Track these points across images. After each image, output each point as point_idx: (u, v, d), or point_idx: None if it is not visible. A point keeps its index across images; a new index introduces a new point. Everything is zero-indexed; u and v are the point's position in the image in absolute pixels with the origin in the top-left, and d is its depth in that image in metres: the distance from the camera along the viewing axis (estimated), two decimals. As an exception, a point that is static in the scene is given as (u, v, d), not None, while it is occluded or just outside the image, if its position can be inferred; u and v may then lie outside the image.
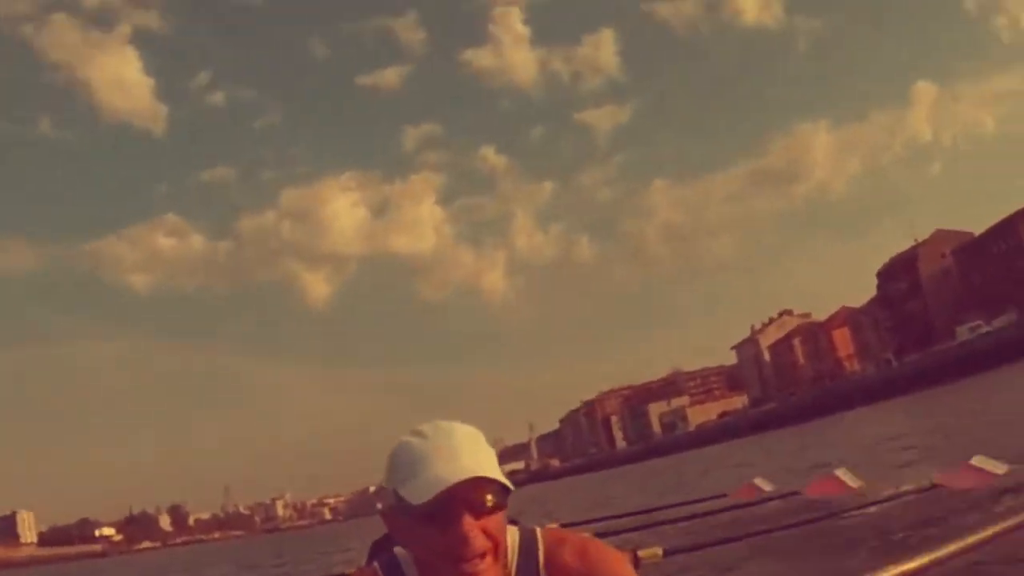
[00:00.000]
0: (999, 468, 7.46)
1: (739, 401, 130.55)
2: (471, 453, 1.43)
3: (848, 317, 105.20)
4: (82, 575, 44.95)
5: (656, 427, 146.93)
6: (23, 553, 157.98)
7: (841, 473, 9.49)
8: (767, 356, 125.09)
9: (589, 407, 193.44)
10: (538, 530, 1.63)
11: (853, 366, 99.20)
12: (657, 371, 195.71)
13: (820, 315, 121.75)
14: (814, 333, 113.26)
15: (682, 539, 7.67)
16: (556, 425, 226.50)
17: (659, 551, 5.22)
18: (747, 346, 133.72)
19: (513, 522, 1.63)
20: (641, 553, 5.16)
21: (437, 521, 1.40)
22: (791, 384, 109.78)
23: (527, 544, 1.60)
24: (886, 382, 68.99)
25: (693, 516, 9.00)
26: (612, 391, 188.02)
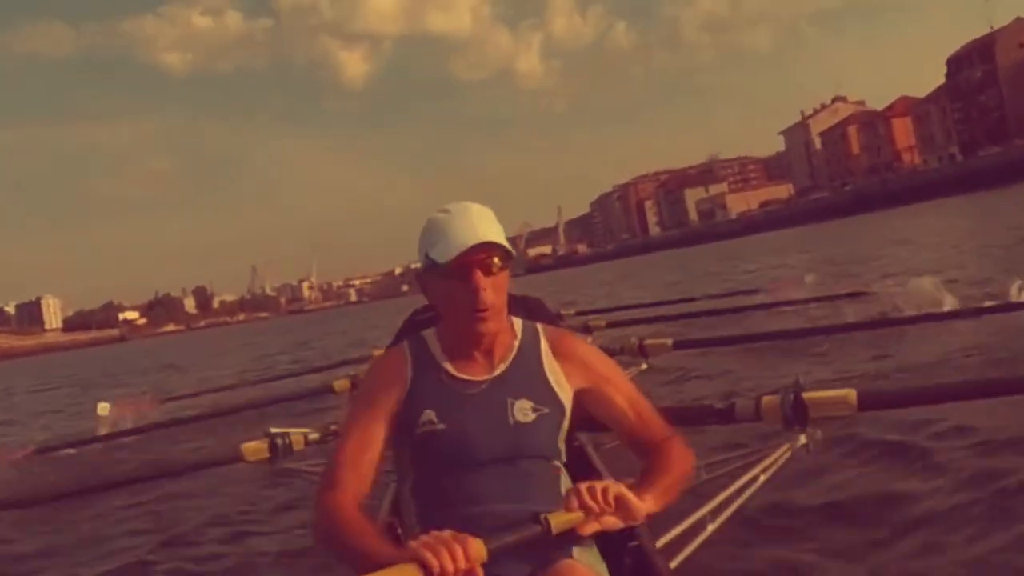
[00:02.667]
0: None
1: (781, 191, 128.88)
2: (485, 225, 1.83)
3: (911, 106, 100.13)
4: (95, 362, 43.65)
5: (693, 214, 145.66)
6: (44, 339, 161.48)
7: (807, 278, 10.11)
8: (817, 144, 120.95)
9: (622, 191, 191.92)
10: (537, 325, 2.06)
11: (913, 159, 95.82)
12: (693, 158, 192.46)
13: (876, 104, 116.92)
14: (872, 121, 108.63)
15: (696, 333, 7.70)
16: (586, 209, 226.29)
17: (668, 341, 5.28)
18: (796, 131, 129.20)
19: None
20: (648, 342, 5.23)
21: (457, 276, 1.83)
22: (843, 174, 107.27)
23: (528, 325, 2.04)
24: (951, 177, 66.79)
25: (715, 311, 8.95)
26: (646, 175, 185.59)
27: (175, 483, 5.07)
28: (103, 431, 7.75)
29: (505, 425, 1.87)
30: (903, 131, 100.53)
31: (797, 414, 2.44)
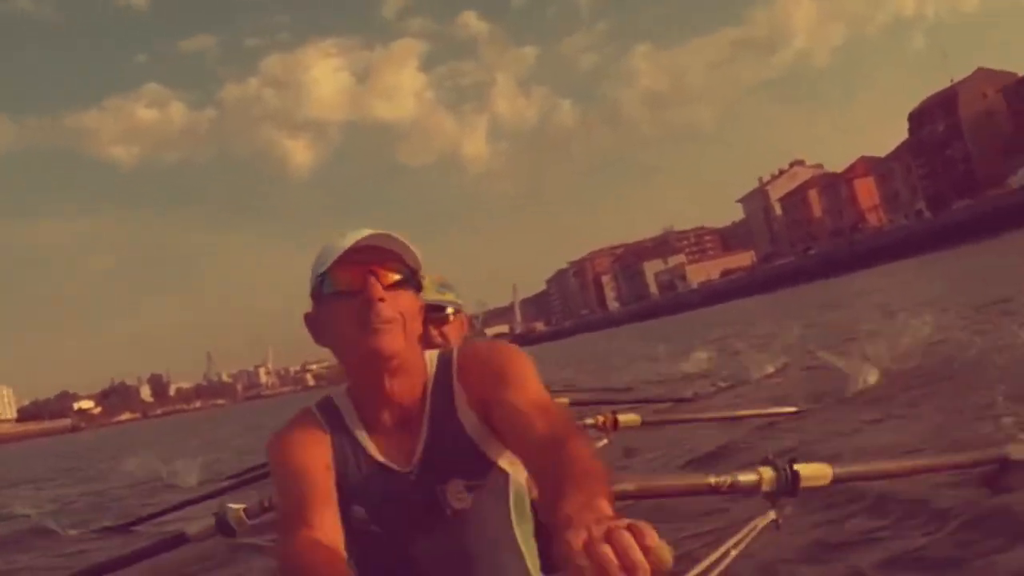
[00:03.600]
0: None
1: (743, 259, 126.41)
2: (382, 232, 1.54)
3: (873, 166, 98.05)
4: (41, 457, 40.89)
5: (652, 287, 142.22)
6: (7, 429, 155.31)
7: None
8: (778, 209, 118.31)
9: (578, 267, 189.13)
10: (455, 348, 1.74)
11: (878, 219, 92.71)
12: (647, 232, 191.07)
13: (835, 167, 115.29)
14: (832, 183, 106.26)
15: (665, 414, 7.57)
16: (542, 287, 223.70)
17: (638, 418, 5.27)
18: (755, 198, 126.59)
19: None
20: (620, 417, 5.15)
21: (347, 293, 1.53)
22: (806, 238, 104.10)
23: (444, 359, 1.69)
24: (921, 235, 63.31)
25: (674, 399, 9.03)
26: (602, 250, 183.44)
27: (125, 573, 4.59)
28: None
29: (443, 519, 1.59)
30: (866, 191, 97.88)
31: (791, 485, 2.47)
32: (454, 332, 3.00)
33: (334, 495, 1.55)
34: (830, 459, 2.60)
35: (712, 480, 2.46)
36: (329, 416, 1.68)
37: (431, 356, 1.70)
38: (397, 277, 1.55)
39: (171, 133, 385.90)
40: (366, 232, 1.52)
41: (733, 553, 2.35)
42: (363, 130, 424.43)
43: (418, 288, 1.62)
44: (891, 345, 8.30)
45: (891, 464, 3.35)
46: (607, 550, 1.00)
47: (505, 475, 1.62)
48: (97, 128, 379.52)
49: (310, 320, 1.66)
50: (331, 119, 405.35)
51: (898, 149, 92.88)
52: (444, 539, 1.59)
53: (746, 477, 2.45)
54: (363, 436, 1.64)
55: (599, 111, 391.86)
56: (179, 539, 3.47)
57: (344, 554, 1.49)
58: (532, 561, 1.66)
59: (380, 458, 1.62)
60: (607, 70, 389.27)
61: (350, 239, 1.52)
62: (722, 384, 10.48)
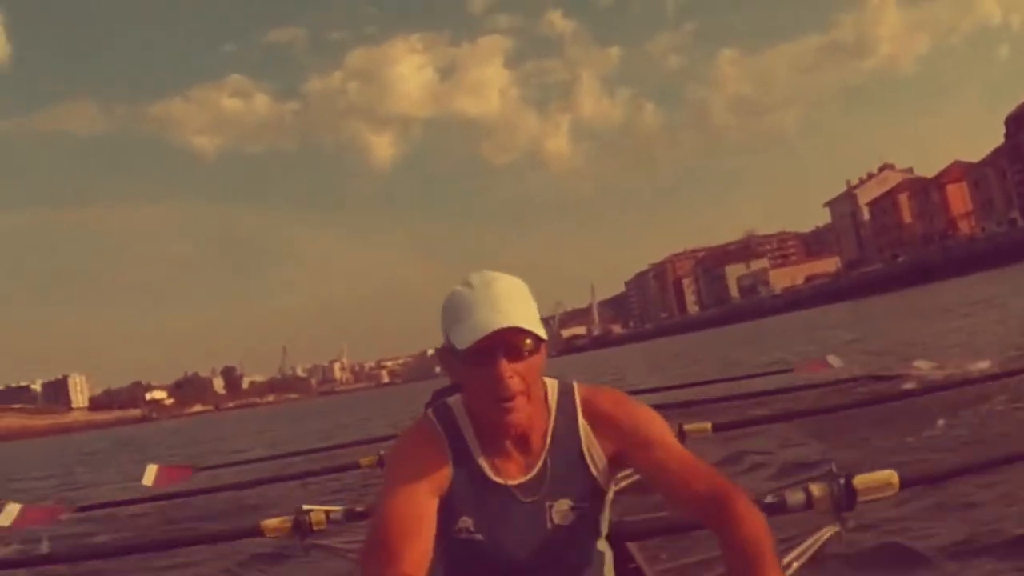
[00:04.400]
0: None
1: (828, 264, 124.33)
2: (511, 303, 1.65)
3: (966, 171, 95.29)
4: (110, 445, 41.01)
5: (734, 291, 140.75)
6: (63, 419, 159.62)
7: (831, 359, 9.86)
8: (866, 214, 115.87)
9: (658, 269, 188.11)
10: (575, 383, 1.85)
11: (970, 227, 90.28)
12: (728, 236, 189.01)
13: (925, 172, 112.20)
14: (924, 188, 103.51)
15: (733, 415, 7.47)
16: (620, 289, 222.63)
17: (708, 425, 5.20)
18: (842, 202, 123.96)
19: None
20: (687, 427, 5.10)
21: (478, 363, 1.64)
22: (894, 245, 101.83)
23: (564, 392, 1.82)
24: (1017, 243, 61.33)
25: (749, 394, 9.13)
26: (684, 253, 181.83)
27: (197, 551, 5.17)
28: (141, 493, 7.89)
29: (543, 531, 1.76)
30: (958, 197, 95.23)
31: (848, 499, 2.38)
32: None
33: (434, 517, 1.67)
34: (896, 465, 2.54)
35: (766, 499, 2.42)
36: (448, 428, 1.79)
37: (551, 385, 1.83)
38: (527, 347, 1.66)
39: (254, 124, 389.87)
40: (502, 324, 1.61)
41: (795, 566, 2.36)
42: (446, 126, 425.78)
43: (543, 346, 1.71)
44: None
45: (965, 461, 3.21)
46: None
47: (603, 498, 1.82)
48: (182, 117, 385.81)
49: (444, 361, 1.79)
50: (415, 114, 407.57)
51: (993, 154, 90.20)
52: (539, 550, 1.75)
53: (795, 496, 2.41)
54: (478, 452, 1.77)
55: (683, 114, 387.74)
56: (252, 530, 3.49)
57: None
58: (608, 568, 1.89)
59: (494, 477, 1.76)
60: (692, 72, 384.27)
61: (485, 318, 1.62)
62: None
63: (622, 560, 2.15)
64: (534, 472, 1.76)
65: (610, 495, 1.84)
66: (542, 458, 1.77)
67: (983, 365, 8.10)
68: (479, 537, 1.75)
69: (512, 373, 1.63)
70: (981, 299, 24.60)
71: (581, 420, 1.80)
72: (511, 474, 1.76)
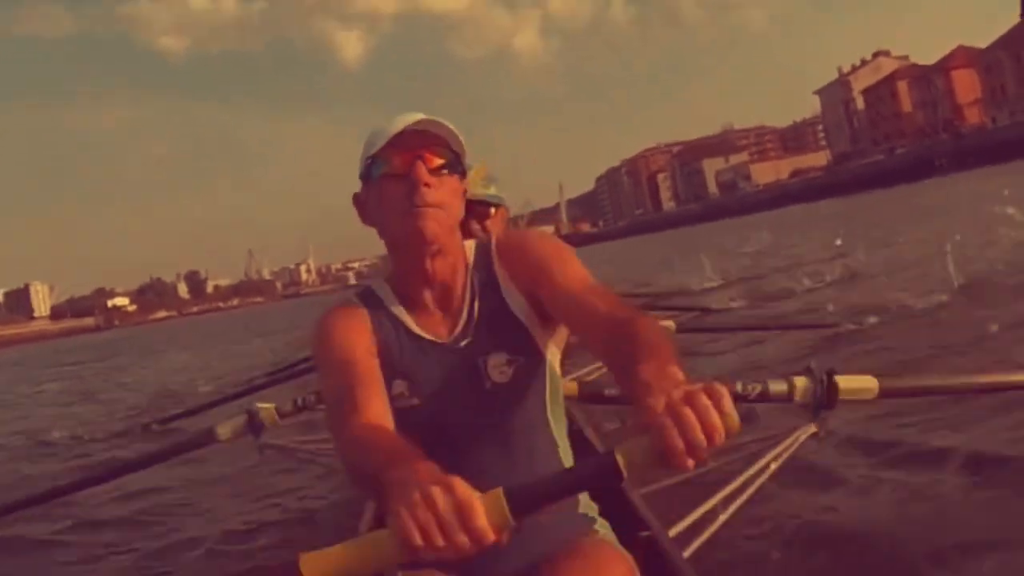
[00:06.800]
0: None
1: (812, 159, 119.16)
2: (432, 119, 1.58)
3: (974, 56, 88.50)
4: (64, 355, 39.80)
5: (712, 186, 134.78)
6: (24, 329, 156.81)
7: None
8: (860, 104, 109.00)
9: (630, 164, 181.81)
10: (492, 237, 1.78)
11: (978, 116, 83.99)
12: (703, 132, 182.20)
13: (923, 59, 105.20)
14: (925, 75, 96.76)
15: (697, 322, 7.42)
16: (591, 186, 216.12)
17: (671, 324, 5.30)
18: (834, 90, 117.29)
19: None
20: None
21: (394, 177, 1.57)
22: (891, 136, 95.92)
23: (482, 247, 1.75)
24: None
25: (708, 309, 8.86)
26: (658, 147, 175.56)
27: (155, 471, 4.80)
28: None
29: (482, 391, 1.64)
30: (966, 84, 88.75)
31: (829, 396, 2.37)
32: (496, 227, 3.12)
33: (379, 376, 1.59)
34: (875, 372, 2.45)
35: (739, 387, 2.34)
36: (369, 301, 1.71)
37: (469, 244, 1.74)
38: (442, 162, 1.60)
39: (222, 24, 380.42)
40: (416, 117, 1.56)
41: (773, 466, 2.43)
42: (416, 21, 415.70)
43: (462, 174, 1.65)
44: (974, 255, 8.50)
45: (948, 380, 3.01)
46: (688, 412, 1.08)
47: (543, 357, 1.67)
48: (149, 17, 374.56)
49: (358, 201, 1.71)
50: (383, 10, 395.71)
51: (1006, 36, 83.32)
52: (481, 412, 1.62)
53: (777, 386, 2.37)
54: (402, 313, 1.68)
55: (654, 10, 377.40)
56: (208, 437, 3.50)
57: (395, 431, 1.50)
58: (564, 450, 1.71)
59: (420, 332, 1.66)
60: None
61: (399, 123, 1.56)
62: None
63: (571, 426, 1.97)
64: (460, 326, 1.67)
65: (550, 353, 1.70)
66: (465, 310, 1.68)
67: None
68: (415, 401, 1.64)
69: (429, 181, 1.55)
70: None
71: (498, 269, 1.70)
72: (438, 331, 1.68)
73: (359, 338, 1.64)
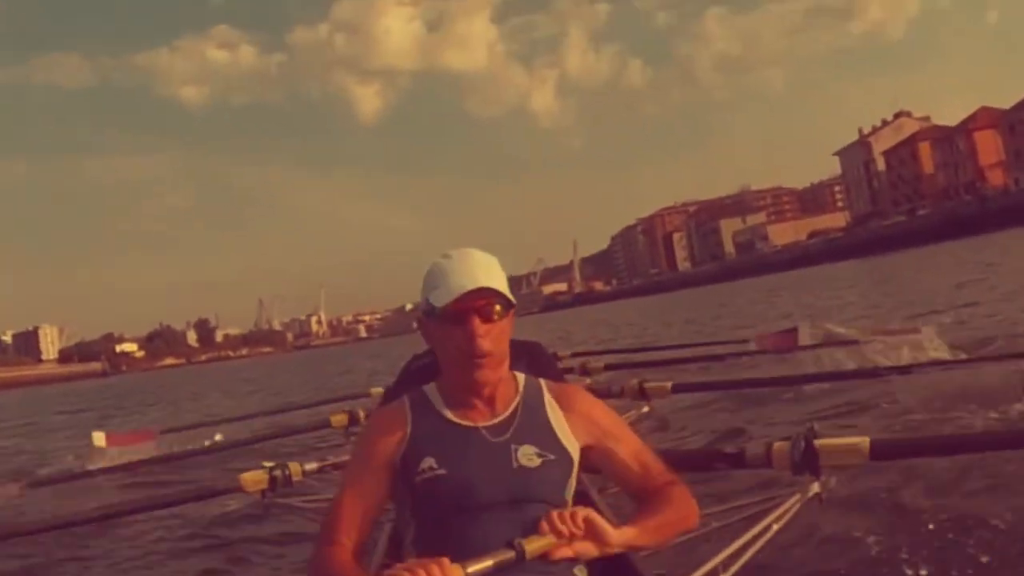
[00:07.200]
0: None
1: (830, 220, 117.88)
2: (485, 271, 1.87)
3: (997, 118, 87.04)
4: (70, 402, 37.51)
5: (729, 246, 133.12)
6: (32, 372, 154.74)
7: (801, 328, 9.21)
8: (880, 164, 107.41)
9: (646, 224, 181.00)
10: (541, 379, 2.07)
11: (1000, 178, 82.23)
12: (720, 191, 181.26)
13: (944, 121, 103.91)
14: (948, 136, 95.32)
15: (694, 377, 8.17)
16: (605, 245, 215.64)
17: (668, 384, 5.36)
18: (854, 151, 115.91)
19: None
20: (648, 384, 5.34)
21: (454, 321, 1.86)
22: (912, 198, 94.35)
23: (531, 383, 2.04)
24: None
25: (711, 358, 9.20)
26: (674, 207, 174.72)
27: (172, 514, 5.32)
28: (99, 464, 7.16)
29: (508, 469, 1.87)
30: (989, 145, 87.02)
31: (807, 461, 2.42)
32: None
33: (399, 469, 1.89)
34: (868, 430, 2.70)
35: (731, 450, 2.45)
36: (416, 399, 1.99)
37: (519, 376, 2.03)
38: (498, 311, 1.88)
39: (240, 76, 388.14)
40: (475, 283, 1.83)
41: (775, 527, 2.41)
42: (433, 79, 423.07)
43: (513, 311, 1.93)
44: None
45: (947, 438, 3.04)
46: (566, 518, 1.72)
47: (571, 461, 1.92)
48: (168, 68, 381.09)
49: (423, 327, 1.99)
50: (401, 67, 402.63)
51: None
52: (504, 489, 1.82)
53: (753, 450, 2.40)
54: (441, 405, 1.95)
55: (671, 72, 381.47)
56: (231, 487, 3.60)
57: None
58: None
59: (459, 420, 1.91)
60: (680, 29, 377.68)
61: (462, 280, 1.84)
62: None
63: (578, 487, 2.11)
64: (501, 417, 1.93)
65: (575, 464, 1.94)
66: (510, 409, 1.94)
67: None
68: (442, 472, 1.84)
69: (484, 332, 1.84)
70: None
71: (547, 396, 2.00)
72: (475, 419, 1.92)
73: (389, 444, 1.90)
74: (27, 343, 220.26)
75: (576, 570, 1.82)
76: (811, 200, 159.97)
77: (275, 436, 7.17)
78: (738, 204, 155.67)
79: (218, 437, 9.28)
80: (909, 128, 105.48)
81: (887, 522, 3.62)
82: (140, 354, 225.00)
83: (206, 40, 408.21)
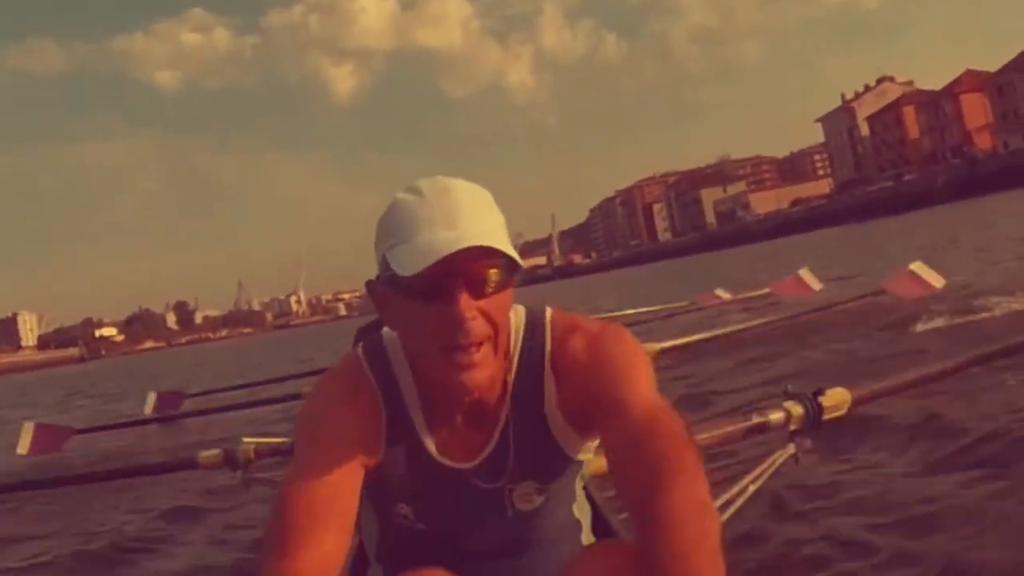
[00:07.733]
0: (937, 281, 7.99)
1: (813, 188, 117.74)
2: (475, 216, 1.21)
3: (983, 81, 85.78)
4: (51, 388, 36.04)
5: (710, 216, 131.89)
6: (10, 359, 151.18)
7: (803, 274, 10.01)
8: (864, 130, 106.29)
9: (626, 195, 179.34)
10: (548, 312, 1.41)
11: (988, 141, 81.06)
12: (699, 162, 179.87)
13: (928, 85, 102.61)
14: (933, 100, 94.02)
15: (707, 332, 8.01)
16: (583, 218, 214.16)
17: (656, 347, 5.82)
18: (837, 117, 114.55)
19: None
20: (663, 345, 6.13)
21: (429, 298, 1.21)
22: (897, 163, 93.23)
23: (533, 327, 1.39)
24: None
25: (670, 316, 10.21)
26: (653, 177, 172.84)
27: (131, 484, 5.19)
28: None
29: (502, 518, 1.41)
30: (976, 108, 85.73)
31: (817, 418, 2.42)
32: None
33: (354, 504, 1.27)
34: (846, 382, 2.50)
35: (738, 426, 2.34)
36: (383, 382, 1.35)
37: (517, 313, 1.37)
38: (494, 278, 1.21)
39: (215, 59, 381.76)
40: (463, 244, 1.15)
41: (752, 488, 2.38)
42: (408, 58, 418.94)
43: (516, 275, 1.27)
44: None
45: (915, 373, 3.11)
46: None
47: (579, 466, 1.44)
48: (143, 52, 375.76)
49: (376, 296, 1.32)
50: (376, 47, 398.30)
51: (1017, 60, 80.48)
52: (499, 539, 1.40)
53: (776, 415, 2.37)
54: (422, 428, 1.35)
55: (646, 45, 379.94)
56: (188, 462, 3.61)
57: None
58: (585, 533, 1.53)
59: (439, 456, 1.35)
60: (655, 3, 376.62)
61: (440, 236, 1.17)
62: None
63: (601, 523, 1.78)
64: (490, 449, 1.37)
65: (584, 454, 1.44)
66: (498, 432, 1.37)
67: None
68: (420, 527, 1.39)
69: (475, 313, 1.20)
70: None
71: (547, 372, 1.35)
72: (462, 454, 1.37)
73: (358, 437, 1.28)
74: (5, 330, 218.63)
75: (574, 509, 1.48)
76: (791, 168, 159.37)
77: (246, 407, 7.31)
78: (718, 174, 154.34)
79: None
80: (892, 93, 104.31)
81: (861, 479, 3.55)
82: (120, 338, 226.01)
83: (181, 24, 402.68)
